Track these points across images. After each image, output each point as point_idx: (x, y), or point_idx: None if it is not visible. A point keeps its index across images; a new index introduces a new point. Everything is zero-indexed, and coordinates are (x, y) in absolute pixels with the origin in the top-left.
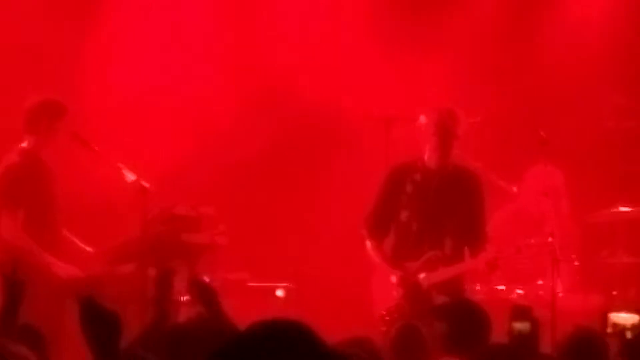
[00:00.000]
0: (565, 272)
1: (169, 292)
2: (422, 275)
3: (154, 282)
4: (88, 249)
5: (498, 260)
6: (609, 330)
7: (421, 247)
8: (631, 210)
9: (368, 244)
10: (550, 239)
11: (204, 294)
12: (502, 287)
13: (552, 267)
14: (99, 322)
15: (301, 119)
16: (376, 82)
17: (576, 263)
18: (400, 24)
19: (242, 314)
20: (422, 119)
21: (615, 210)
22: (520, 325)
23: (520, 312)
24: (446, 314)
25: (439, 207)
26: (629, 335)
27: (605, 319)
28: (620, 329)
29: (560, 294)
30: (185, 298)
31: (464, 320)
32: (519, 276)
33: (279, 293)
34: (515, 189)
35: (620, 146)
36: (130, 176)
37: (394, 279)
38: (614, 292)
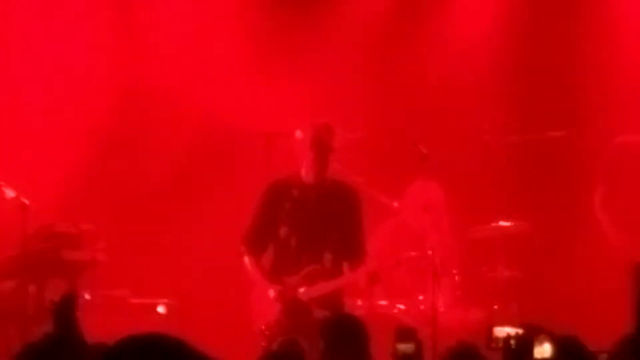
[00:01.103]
0: (446, 287)
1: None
2: (301, 290)
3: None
4: None
5: (378, 274)
6: (494, 345)
7: (300, 262)
8: (510, 225)
9: (246, 259)
10: (430, 252)
11: (59, 311)
12: (384, 302)
13: (433, 281)
14: None
15: (184, 134)
16: (258, 98)
17: (457, 278)
18: (281, 40)
19: (123, 331)
20: (299, 133)
21: (495, 225)
22: (405, 347)
23: (405, 333)
24: (325, 329)
25: (317, 221)
26: (513, 345)
27: (490, 332)
28: (504, 343)
29: (442, 309)
30: None
31: (343, 335)
32: (400, 291)
33: (160, 309)
34: (396, 204)
35: (500, 161)
36: (9, 193)
37: (272, 293)
38: (495, 307)
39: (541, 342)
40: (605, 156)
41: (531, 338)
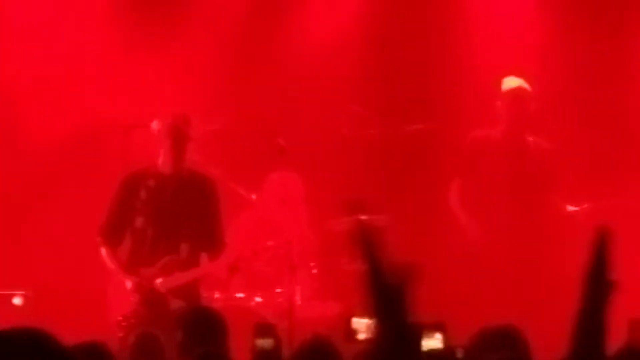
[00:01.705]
0: (303, 280)
1: None
2: (158, 281)
3: None
4: None
5: (234, 265)
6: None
7: (157, 253)
8: (368, 219)
9: (103, 251)
10: (287, 244)
11: None
12: (241, 295)
13: (290, 274)
14: None
15: (49, 129)
16: (119, 91)
17: (314, 270)
18: (142, 32)
19: None
20: (155, 124)
21: (354, 217)
22: (263, 342)
23: (263, 329)
24: (183, 321)
25: (174, 212)
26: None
27: (348, 324)
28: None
29: (299, 302)
30: None
31: (201, 327)
32: (258, 283)
33: (16, 301)
34: (254, 196)
35: (358, 155)
36: None
37: (129, 284)
38: (353, 299)
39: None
40: (461, 150)
41: (420, 329)
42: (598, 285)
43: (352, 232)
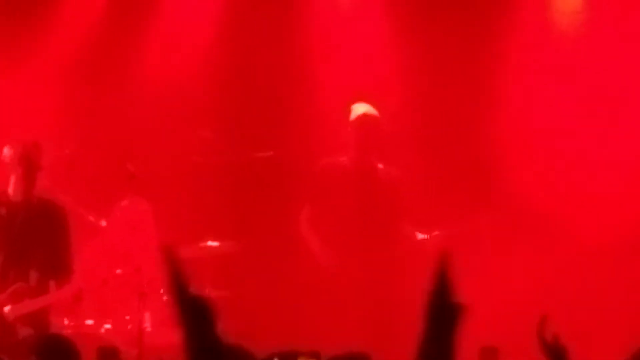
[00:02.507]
0: (154, 307)
1: None
2: (7, 308)
3: None
4: None
5: (83, 292)
6: None
7: (7, 280)
8: (219, 245)
9: None
10: (137, 271)
11: None
12: (91, 322)
13: (140, 300)
14: None
15: None
16: None
17: (165, 297)
18: None
19: None
20: (7, 151)
21: (203, 244)
22: None
23: (107, 353)
24: (34, 349)
25: (24, 239)
26: None
27: None
28: None
29: (149, 329)
30: None
31: (52, 354)
32: (108, 310)
33: None
34: (104, 222)
35: (209, 181)
36: None
37: None
38: None
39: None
40: (311, 177)
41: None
42: (442, 311)
43: (162, 259)
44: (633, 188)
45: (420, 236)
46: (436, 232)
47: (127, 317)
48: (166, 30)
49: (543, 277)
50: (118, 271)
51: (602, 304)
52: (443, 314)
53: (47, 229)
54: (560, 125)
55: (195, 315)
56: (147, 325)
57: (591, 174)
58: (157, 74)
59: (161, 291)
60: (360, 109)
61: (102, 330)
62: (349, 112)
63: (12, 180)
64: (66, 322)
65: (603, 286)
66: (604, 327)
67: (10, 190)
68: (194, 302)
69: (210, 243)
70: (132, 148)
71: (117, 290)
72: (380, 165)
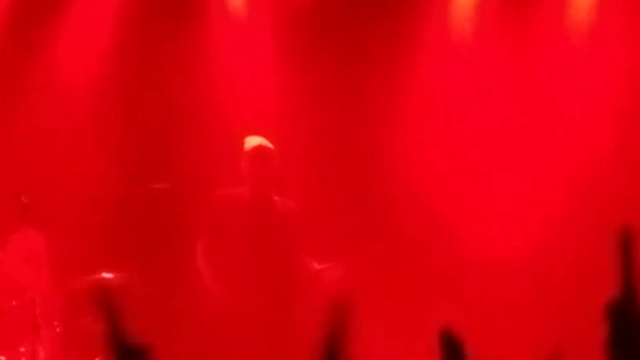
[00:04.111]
0: (47, 339)
1: None
2: None
3: None
4: None
5: None
6: None
7: None
8: (113, 277)
9: None
10: (31, 304)
11: None
12: None
13: (33, 333)
14: None
15: None
16: None
17: (58, 329)
18: None
19: None
20: None
21: (98, 276)
22: None
23: None
24: None
25: None
26: None
27: None
28: None
29: None
30: None
31: None
32: (1, 343)
33: None
34: None
35: (104, 212)
36: None
37: None
38: (97, 359)
39: None
40: (207, 208)
41: None
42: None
43: (92, 291)
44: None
45: (317, 267)
46: (332, 264)
47: (22, 350)
48: (60, 60)
49: (440, 305)
50: (13, 303)
51: (506, 325)
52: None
53: None
54: (461, 151)
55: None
56: (41, 358)
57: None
58: (50, 105)
59: (55, 323)
60: (254, 141)
61: None
62: (243, 144)
63: None
64: None
65: (505, 307)
66: (507, 348)
67: None
68: (131, 350)
69: (105, 275)
70: (26, 179)
71: (11, 323)
72: (275, 197)
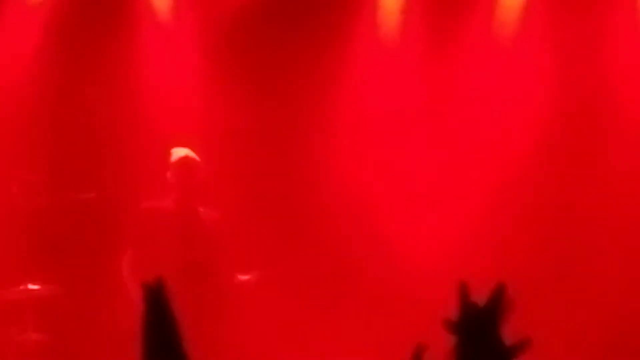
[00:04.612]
0: None
1: None
2: None
3: None
4: None
5: None
6: None
7: None
8: (40, 288)
9: None
10: None
11: None
12: None
13: None
14: None
15: None
16: None
17: None
18: None
19: None
20: None
21: (24, 287)
22: None
23: None
24: None
25: None
26: None
27: None
28: None
29: None
30: None
31: None
32: None
33: None
34: None
35: (29, 224)
36: None
37: None
38: None
39: None
40: (133, 219)
41: None
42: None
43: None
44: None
45: (242, 277)
46: (255, 272)
47: None
48: None
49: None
50: None
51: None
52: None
53: None
54: (389, 157)
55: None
56: None
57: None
58: None
59: None
60: (180, 152)
61: None
62: (169, 155)
63: None
64: None
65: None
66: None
67: None
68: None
69: (31, 286)
70: None
71: None
72: (201, 209)
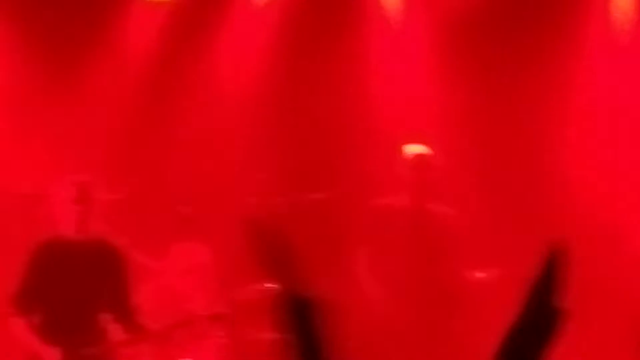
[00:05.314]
0: (211, 350)
1: None
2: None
3: None
4: None
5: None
6: None
7: (67, 322)
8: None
9: (17, 322)
10: (195, 315)
11: None
12: None
13: (198, 344)
14: None
15: None
16: (15, 158)
17: (223, 340)
18: (35, 96)
19: None
20: (58, 191)
21: (261, 286)
22: None
23: None
24: None
25: (85, 281)
26: None
27: None
28: None
29: None
30: None
31: None
32: (167, 354)
33: None
34: (159, 266)
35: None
36: None
37: (54, 355)
38: None
39: None
40: (365, 218)
41: None
42: (538, 314)
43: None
44: None
45: (478, 275)
46: (493, 271)
47: None
48: (218, 69)
49: None
50: (178, 316)
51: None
52: (539, 318)
53: (109, 270)
54: None
55: None
56: None
57: None
58: (210, 115)
59: (221, 334)
60: (415, 149)
61: None
62: (401, 152)
63: (66, 219)
64: None
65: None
66: None
67: (65, 229)
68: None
69: (269, 285)
70: (187, 190)
71: (176, 335)
72: (433, 206)
